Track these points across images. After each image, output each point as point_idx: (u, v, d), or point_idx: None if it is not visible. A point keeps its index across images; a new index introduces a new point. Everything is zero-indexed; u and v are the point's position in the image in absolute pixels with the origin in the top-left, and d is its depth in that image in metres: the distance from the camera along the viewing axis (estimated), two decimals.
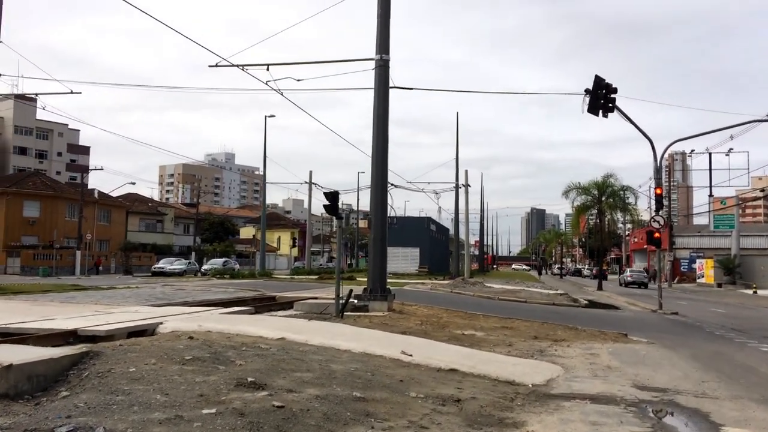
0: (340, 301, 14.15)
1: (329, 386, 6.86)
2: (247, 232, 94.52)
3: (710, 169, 70.39)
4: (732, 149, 63.37)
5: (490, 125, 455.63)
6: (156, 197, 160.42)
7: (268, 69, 16.60)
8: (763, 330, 17.07)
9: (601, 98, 18.78)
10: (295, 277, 42.75)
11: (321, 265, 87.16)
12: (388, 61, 16.43)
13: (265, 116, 48.20)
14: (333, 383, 7.01)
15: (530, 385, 8.09)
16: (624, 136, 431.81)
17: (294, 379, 7.04)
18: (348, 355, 8.78)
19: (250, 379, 6.64)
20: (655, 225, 22.43)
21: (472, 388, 7.63)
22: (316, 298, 17.86)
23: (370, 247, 16.65)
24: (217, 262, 52.22)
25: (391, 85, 17.44)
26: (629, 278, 53.33)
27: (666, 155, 28.56)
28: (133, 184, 61.41)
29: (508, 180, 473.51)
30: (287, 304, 16.71)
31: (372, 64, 16.48)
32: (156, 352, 7.72)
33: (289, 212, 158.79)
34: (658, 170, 23.07)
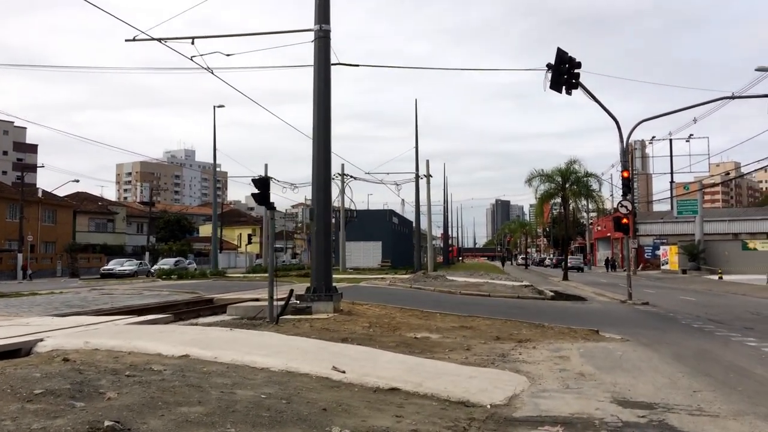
0: (278, 304, 12.38)
1: (222, 425, 5.15)
2: (206, 230, 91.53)
3: (671, 156, 70.25)
4: (692, 135, 63.22)
5: (456, 118, 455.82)
6: (113, 196, 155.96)
7: (193, 43, 14.69)
8: (741, 320, 15.88)
9: (564, 73, 17.34)
10: (249, 275, 40.74)
11: (284, 261, 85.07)
12: (328, 31, 14.66)
13: (214, 106, 46.14)
14: (229, 420, 5.30)
15: (488, 406, 6.50)
16: (586, 127, 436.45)
17: (176, 417, 5.30)
18: (264, 375, 7.07)
19: (108, 423, 4.88)
20: (623, 210, 21.18)
21: (414, 416, 5.98)
22: (257, 299, 16.09)
23: (312, 241, 14.95)
24: (168, 262, 49.76)
25: (335, 61, 15.73)
26: (569, 264, 60.55)
27: (626, 143, 27.31)
28: (77, 181, 58.38)
29: (474, 172, 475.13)
30: (221, 308, 14.91)
31: (311, 36, 14.70)
32: None
33: (252, 209, 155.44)
34: (624, 152, 21.79)
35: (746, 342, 11.73)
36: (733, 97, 26.49)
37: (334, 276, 35.89)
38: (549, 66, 17.29)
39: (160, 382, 6.36)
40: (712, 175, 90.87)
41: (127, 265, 50.17)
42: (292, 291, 13.58)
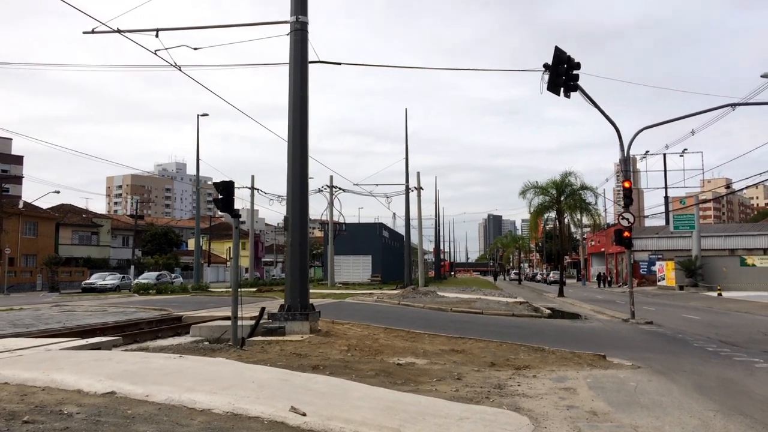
0: (242, 324, 10.98)
1: None
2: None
3: (665, 170, 69.48)
4: (686, 149, 62.33)
5: (448, 134, 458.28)
6: (103, 210, 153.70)
7: (157, 35, 13.34)
8: (757, 343, 14.58)
9: (563, 74, 16.09)
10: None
11: (274, 275, 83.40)
12: (306, 24, 13.36)
13: (198, 115, 44.87)
14: None
15: None
16: (578, 143, 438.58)
17: None
18: (202, 419, 5.65)
19: None
20: (624, 223, 19.89)
21: None
22: (228, 318, 14.60)
23: (287, 254, 13.53)
24: (150, 276, 48.06)
25: (314, 58, 14.43)
26: (552, 278, 69.68)
27: (627, 151, 26.00)
28: (57, 192, 56.51)
29: (466, 187, 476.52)
30: (185, 328, 13.47)
31: (286, 28, 13.39)
32: None
33: (243, 222, 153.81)
34: (625, 161, 20.53)
35: None
36: (735, 105, 25.37)
37: (320, 291, 34.41)
38: (546, 66, 16.05)
39: None
40: (704, 191, 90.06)
41: (110, 279, 48.49)
42: (263, 309, 12.20)
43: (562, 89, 16.14)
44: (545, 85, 16.00)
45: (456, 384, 8.48)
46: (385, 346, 11.89)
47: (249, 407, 5.97)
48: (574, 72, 16.21)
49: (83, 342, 9.51)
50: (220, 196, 10.74)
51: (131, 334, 12.35)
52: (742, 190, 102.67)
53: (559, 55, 16.04)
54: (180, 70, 14.26)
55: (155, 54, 13.53)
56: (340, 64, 15.19)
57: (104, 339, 10.02)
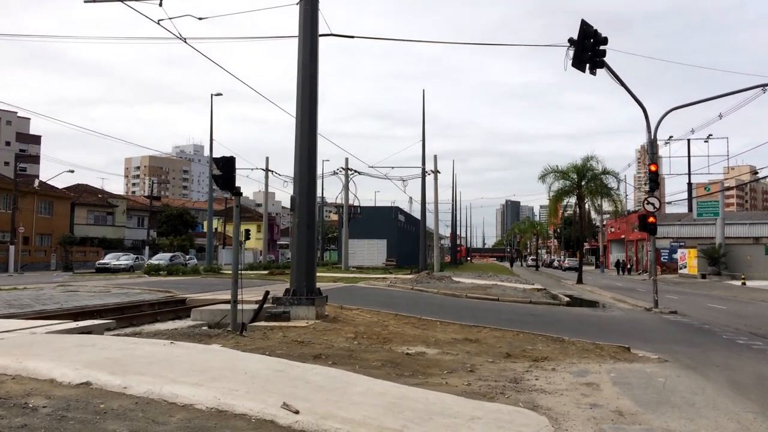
0: (242, 308, 10.39)
1: None
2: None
3: (689, 156, 67.85)
4: (711, 135, 60.84)
5: (467, 118, 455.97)
6: (121, 190, 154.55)
7: (161, 4, 12.73)
8: None
9: (589, 50, 15.22)
10: (244, 272, 38.75)
11: (289, 258, 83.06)
12: None
13: (212, 95, 44.39)
14: None
15: None
16: (599, 129, 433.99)
17: None
18: (182, 416, 5.06)
19: None
20: (650, 208, 19.01)
21: None
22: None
23: (293, 236, 12.94)
24: (164, 257, 47.82)
25: (325, 31, 13.70)
26: (566, 264, 71.71)
27: (653, 133, 24.97)
28: (72, 172, 56.06)
29: (484, 172, 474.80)
30: (186, 311, 12.94)
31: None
32: None
33: (259, 205, 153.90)
34: (652, 143, 19.58)
35: None
36: (766, 86, 24.34)
37: (332, 274, 33.84)
38: (571, 41, 15.18)
39: (18, 431, 4.37)
40: (728, 178, 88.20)
41: (123, 260, 48.40)
42: (266, 293, 11.62)
43: (587, 65, 15.27)
44: (570, 62, 15.13)
45: (468, 377, 7.84)
46: (395, 334, 11.26)
47: (236, 402, 5.37)
48: (601, 47, 15.33)
49: (74, 325, 8.99)
50: (219, 172, 10.14)
51: (128, 317, 11.87)
52: (767, 177, 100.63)
53: (586, 29, 15.15)
54: (185, 42, 13.65)
55: (158, 24, 12.90)
56: (353, 37, 14.45)
57: (96, 322, 9.50)
